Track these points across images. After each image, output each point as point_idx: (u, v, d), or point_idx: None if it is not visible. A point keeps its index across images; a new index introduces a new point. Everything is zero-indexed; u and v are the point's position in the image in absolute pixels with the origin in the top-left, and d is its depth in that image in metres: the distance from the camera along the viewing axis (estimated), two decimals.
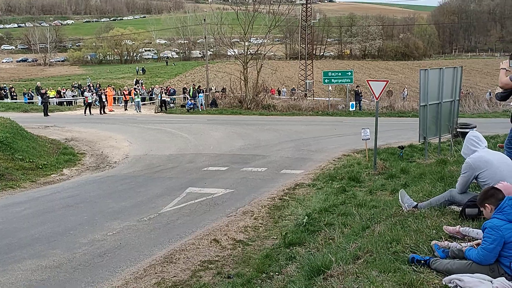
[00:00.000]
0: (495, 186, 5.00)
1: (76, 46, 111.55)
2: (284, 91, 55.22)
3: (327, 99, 41.24)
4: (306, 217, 9.99)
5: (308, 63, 54.31)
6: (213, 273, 7.91)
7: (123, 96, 42.37)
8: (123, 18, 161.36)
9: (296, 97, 45.98)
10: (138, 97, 40.79)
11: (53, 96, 45.14)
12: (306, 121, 32.25)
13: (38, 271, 8.08)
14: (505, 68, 7.21)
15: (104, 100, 38.27)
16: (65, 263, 8.39)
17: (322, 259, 5.57)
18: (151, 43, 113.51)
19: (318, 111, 37.70)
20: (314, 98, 47.06)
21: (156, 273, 7.96)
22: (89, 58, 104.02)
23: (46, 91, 39.23)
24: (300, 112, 37.49)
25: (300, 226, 9.57)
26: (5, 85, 52.33)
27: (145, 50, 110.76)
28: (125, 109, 40.48)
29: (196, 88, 42.94)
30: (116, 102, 44.98)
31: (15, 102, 43.12)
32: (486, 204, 4.62)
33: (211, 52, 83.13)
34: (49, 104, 37.47)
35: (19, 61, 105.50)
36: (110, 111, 39.03)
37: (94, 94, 41.17)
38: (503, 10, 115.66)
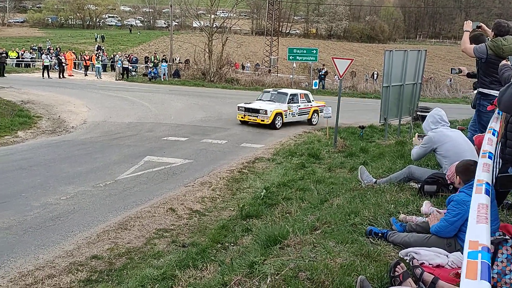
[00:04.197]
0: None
1: (37, 7, 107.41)
2: (248, 66, 54.92)
3: (291, 76, 41.23)
4: (264, 191, 9.99)
5: (274, 39, 54.03)
6: (168, 242, 7.82)
7: (83, 62, 41.49)
8: None
9: (260, 73, 45.79)
10: (99, 63, 39.95)
11: (15, 57, 43.84)
12: None
13: None
14: (468, 30, 7.35)
15: (63, 64, 37.32)
16: (15, 225, 8.13)
17: (279, 229, 5.54)
18: (115, 9, 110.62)
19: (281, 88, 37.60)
20: (278, 75, 46.93)
21: (109, 239, 7.81)
22: (50, 21, 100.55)
23: (4, 51, 37.78)
24: (263, 87, 37.34)
25: (258, 199, 9.56)
26: None
27: (109, 17, 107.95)
28: (85, 75, 39.69)
29: (159, 58, 42.31)
30: (77, 68, 44.02)
31: None
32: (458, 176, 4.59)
33: (176, 23, 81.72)
34: (6, 64, 36.28)
35: None
36: (70, 75, 38.15)
37: (54, 57, 40.08)
38: None
